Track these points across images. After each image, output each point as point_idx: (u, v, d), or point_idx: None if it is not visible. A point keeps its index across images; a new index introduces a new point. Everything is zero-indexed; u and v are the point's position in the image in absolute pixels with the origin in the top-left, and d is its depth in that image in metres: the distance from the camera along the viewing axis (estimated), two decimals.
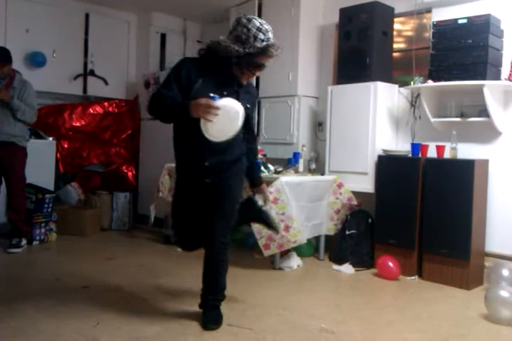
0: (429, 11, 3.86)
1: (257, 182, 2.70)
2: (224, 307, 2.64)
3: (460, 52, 3.39)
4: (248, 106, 2.42)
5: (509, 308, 2.56)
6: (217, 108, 2.16)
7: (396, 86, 3.98)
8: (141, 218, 5.06)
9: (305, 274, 3.60)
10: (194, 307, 2.67)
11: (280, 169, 3.92)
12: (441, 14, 3.71)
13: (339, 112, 4.05)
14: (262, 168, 3.85)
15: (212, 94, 2.22)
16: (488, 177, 3.47)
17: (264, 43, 2.27)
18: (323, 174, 4.09)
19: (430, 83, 3.52)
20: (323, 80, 4.56)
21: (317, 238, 3.97)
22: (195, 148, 2.39)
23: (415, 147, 3.63)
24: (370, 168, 3.82)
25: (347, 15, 4.01)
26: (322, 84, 4.52)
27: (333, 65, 4.50)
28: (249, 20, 2.29)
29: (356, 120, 3.91)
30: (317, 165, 4.17)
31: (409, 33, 4.15)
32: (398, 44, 4.23)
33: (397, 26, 4.15)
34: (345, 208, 3.94)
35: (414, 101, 3.89)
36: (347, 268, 3.63)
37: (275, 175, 3.72)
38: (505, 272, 3.03)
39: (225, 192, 2.47)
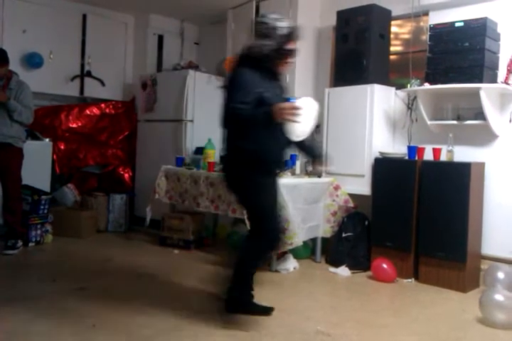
0: (426, 13, 3.87)
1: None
2: (220, 310, 2.63)
3: (457, 55, 3.40)
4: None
5: (504, 312, 2.56)
6: (301, 108, 2.25)
7: (393, 88, 3.99)
8: (138, 220, 5.05)
9: (301, 276, 3.59)
10: (191, 309, 2.67)
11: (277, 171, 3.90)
12: (438, 17, 3.73)
13: (336, 114, 4.05)
14: None
15: (289, 97, 2.44)
16: (485, 180, 3.48)
17: (286, 30, 2.42)
18: (319, 176, 4.08)
19: (427, 86, 3.53)
20: (320, 82, 4.56)
21: (314, 240, 3.97)
22: (277, 148, 2.56)
23: (412, 150, 3.64)
24: (366, 170, 3.82)
25: (344, 17, 4.02)
26: (319, 87, 4.52)
27: (330, 67, 4.50)
28: (263, 16, 2.52)
29: (353, 122, 3.92)
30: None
31: (406, 36, 4.16)
32: (395, 47, 4.24)
33: (394, 29, 4.16)
34: (341, 210, 3.94)
35: (410, 104, 3.90)
36: (343, 271, 3.63)
37: None
38: (500, 275, 3.04)
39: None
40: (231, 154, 2.59)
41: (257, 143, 2.47)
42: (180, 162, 4.45)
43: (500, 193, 3.46)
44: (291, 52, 2.50)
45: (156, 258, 3.95)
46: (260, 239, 2.58)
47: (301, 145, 2.75)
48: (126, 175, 5.30)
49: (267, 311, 2.65)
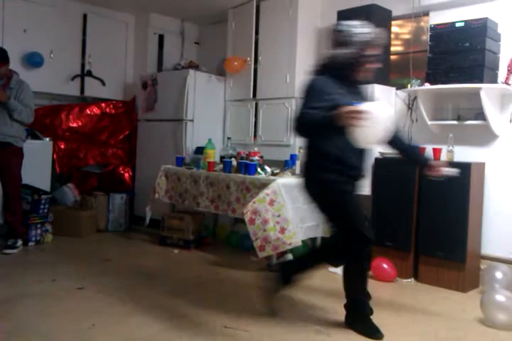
0: (426, 14, 3.87)
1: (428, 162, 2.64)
2: (219, 309, 2.64)
3: (457, 55, 3.40)
4: None
5: (505, 313, 2.56)
6: (364, 112, 2.12)
7: (393, 89, 3.99)
8: (138, 219, 5.05)
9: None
10: (191, 308, 2.66)
11: (277, 171, 3.91)
12: (438, 17, 3.73)
13: None
14: (259, 169, 3.85)
15: (353, 102, 2.23)
16: (485, 180, 3.48)
17: (363, 36, 2.37)
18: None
19: (427, 86, 3.53)
20: None
21: (313, 240, 3.97)
22: (356, 159, 2.49)
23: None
24: (367, 170, 3.81)
25: (345, 17, 3.98)
26: None
27: None
28: (337, 25, 2.49)
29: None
30: None
31: (407, 36, 4.16)
32: (396, 47, 4.23)
33: (394, 29, 4.16)
34: None
35: (411, 104, 3.90)
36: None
37: (272, 177, 3.71)
38: (498, 274, 3.04)
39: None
40: (312, 159, 2.54)
41: (338, 149, 2.43)
42: (180, 161, 4.45)
43: (500, 194, 3.46)
44: (370, 59, 2.42)
45: (156, 258, 3.95)
46: (346, 248, 2.55)
47: (404, 153, 2.67)
48: (126, 175, 5.30)
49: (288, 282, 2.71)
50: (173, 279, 3.33)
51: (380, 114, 2.18)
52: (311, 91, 2.41)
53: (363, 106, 2.14)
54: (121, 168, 5.31)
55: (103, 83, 5.39)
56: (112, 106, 5.39)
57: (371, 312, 2.60)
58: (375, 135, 2.21)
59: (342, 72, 2.43)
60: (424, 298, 3.12)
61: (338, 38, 2.42)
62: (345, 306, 2.61)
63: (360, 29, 2.39)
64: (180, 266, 3.69)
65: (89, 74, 5.30)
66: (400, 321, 2.68)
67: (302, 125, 2.35)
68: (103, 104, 5.35)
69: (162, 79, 5.09)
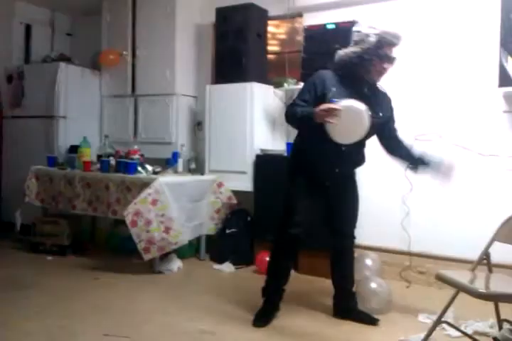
0: (300, 15, 4.02)
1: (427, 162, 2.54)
2: (100, 317, 2.49)
3: (329, 56, 3.53)
4: (381, 114, 2.48)
5: (377, 298, 2.74)
6: (337, 109, 2.19)
7: (271, 87, 4.08)
8: (7, 226, 4.60)
9: (185, 276, 3.54)
10: (66, 318, 2.48)
11: (159, 169, 3.81)
12: (312, 19, 3.88)
13: (218, 112, 4.05)
14: (140, 168, 3.72)
15: (334, 99, 2.27)
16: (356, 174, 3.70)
17: (375, 36, 2.37)
18: (203, 174, 4.06)
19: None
20: (201, 79, 4.53)
21: (198, 238, 3.94)
22: (329, 155, 2.47)
23: (290, 146, 3.75)
24: (248, 167, 3.87)
25: (223, 15, 4.02)
26: (201, 83, 4.48)
27: (211, 64, 4.49)
28: (357, 24, 2.60)
29: (234, 120, 3.94)
30: (197, 165, 4.12)
31: (283, 36, 4.29)
32: (273, 46, 4.35)
33: (271, 29, 4.26)
34: (225, 207, 3.96)
35: (288, 102, 4.02)
36: (227, 267, 3.66)
37: (153, 176, 3.61)
38: (368, 262, 3.26)
39: (350, 191, 2.67)
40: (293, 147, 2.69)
41: (307, 143, 2.53)
42: (52, 162, 4.14)
43: (368, 187, 3.69)
44: (385, 59, 2.39)
45: (27, 267, 3.63)
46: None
47: (408, 157, 2.59)
48: None
49: None
50: (46, 288, 3.08)
51: (352, 110, 2.25)
52: (308, 82, 2.50)
53: (336, 104, 2.23)
54: None
55: None
56: None
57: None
58: (349, 132, 2.31)
59: (347, 70, 2.45)
60: (304, 287, 3.23)
61: (354, 37, 2.46)
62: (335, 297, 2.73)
63: (372, 30, 2.40)
64: (54, 274, 3.43)
65: None
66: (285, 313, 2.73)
67: (288, 118, 2.49)
68: None
69: (30, 72, 4.69)
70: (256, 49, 3.95)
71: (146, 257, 3.38)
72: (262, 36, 4.02)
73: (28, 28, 5.22)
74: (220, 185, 3.94)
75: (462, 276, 2.09)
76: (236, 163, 3.93)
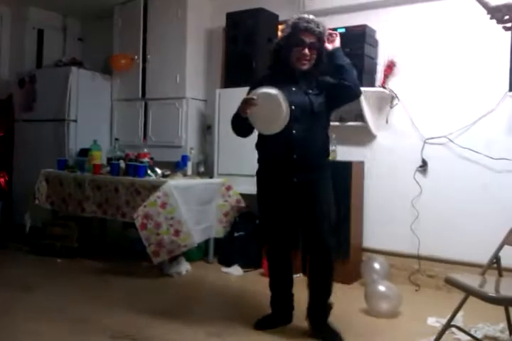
0: None
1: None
2: (108, 319, 2.50)
3: None
4: (313, 97, 2.36)
5: (386, 301, 2.72)
6: (252, 98, 2.22)
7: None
8: (18, 228, 4.63)
9: (194, 279, 3.54)
10: (71, 320, 2.49)
11: (168, 172, 3.82)
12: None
13: (227, 116, 3.99)
14: (149, 171, 3.74)
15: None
16: (364, 178, 3.70)
17: (291, 23, 2.34)
18: (211, 177, 4.07)
19: None
20: (211, 83, 4.55)
21: (206, 241, 3.94)
22: (280, 144, 2.34)
23: None
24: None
25: (233, 19, 4.05)
26: (210, 87, 4.51)
27: (221, 68, 4.51)
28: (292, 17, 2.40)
29: None
30: (205, 168, 4.14)
31: None
32: None
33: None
34: (233, 210, 3.96)
35: None
36: (235, 270, 3.65)
37: (163, 179, 3.62)
38: (376, 265, 3.25)
39: (318, 192, 2.40)
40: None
41: (260, 141, 2.50)
42: (62, 165, 4.17)
43: (377, 190, 3.70)
44: (298, 45, 2.32)
45: (35, 269, 3.65)
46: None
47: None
48: (2, 180, 4.86)
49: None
50: (54, 291, 3.10)
51: (266, 96, 2.24)
52: (250, 88, 2.44)
53: (251, 94, 2.24)
54: None
55: None
56: None
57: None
58: (271, 119, 2.26)
59: (274, 62, 2.46)
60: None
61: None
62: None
63: (295, 19, 2.36)
64: (63, 276, 3.45)
65: None
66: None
67: (232, 128, 2.47)
68: None
69: (41, 76, 4.75)
70: (266, 53, 3.95)
71: (156, 261, 3.38)
72: (272, 40, 4.03)
73: (40, 33, 5.30)
74: (228, 188, 3.95)
75: (472, 280, 2.07)
76: (244, 166, 3.93)
